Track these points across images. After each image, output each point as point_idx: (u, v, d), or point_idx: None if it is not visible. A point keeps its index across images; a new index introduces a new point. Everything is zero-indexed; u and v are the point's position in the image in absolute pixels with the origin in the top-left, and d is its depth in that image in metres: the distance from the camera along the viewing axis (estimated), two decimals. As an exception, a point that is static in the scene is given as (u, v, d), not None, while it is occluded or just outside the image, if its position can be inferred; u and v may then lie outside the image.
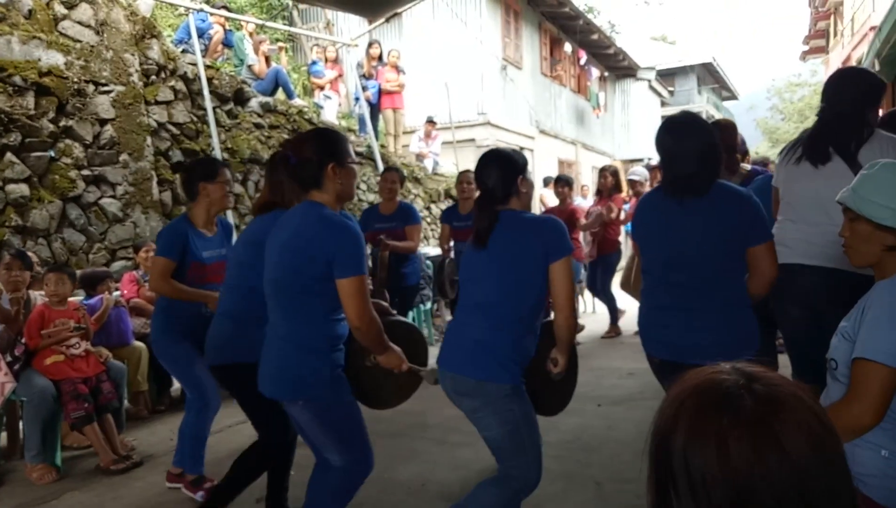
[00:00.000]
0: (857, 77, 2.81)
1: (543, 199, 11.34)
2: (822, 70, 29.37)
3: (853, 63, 19.75)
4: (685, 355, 2.25)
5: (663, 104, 24.33)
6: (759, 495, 0.68)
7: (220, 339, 2.74)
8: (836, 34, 22.76)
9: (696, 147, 2.30)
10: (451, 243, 5.98)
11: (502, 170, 2.35)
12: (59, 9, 5.84)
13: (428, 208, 10.18)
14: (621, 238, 7.43)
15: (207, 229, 3.26)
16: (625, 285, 6.95)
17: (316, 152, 2.27)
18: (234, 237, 3.37)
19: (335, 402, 2.27)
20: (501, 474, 2.32)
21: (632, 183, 7.21)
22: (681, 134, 2.36)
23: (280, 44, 10.67)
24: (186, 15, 7.88)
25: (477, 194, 2.42)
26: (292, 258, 2.20)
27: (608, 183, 6.90)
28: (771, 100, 44.14)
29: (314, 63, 10.31)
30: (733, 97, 37.47)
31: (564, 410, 2.68)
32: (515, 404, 2.24)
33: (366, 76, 10.21)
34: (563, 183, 6.81)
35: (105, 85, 6.06)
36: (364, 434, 2.37)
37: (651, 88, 21.88)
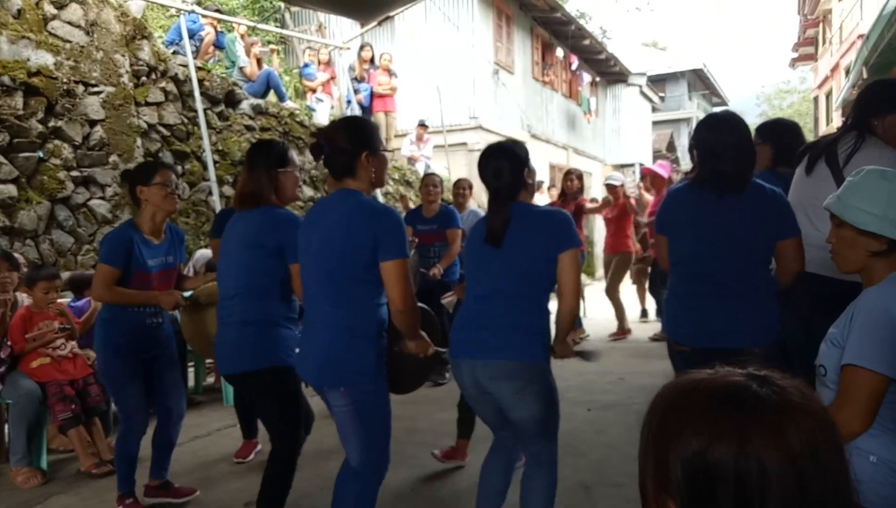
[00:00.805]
0: (876, 85, 2.84)
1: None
2: (810, 77, 29.61)
3: (841, 71, 19.93)
4: (717, 340, 2.42)
5: (654, 110, 24.46)
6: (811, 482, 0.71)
7: (242, 345, 2.60)
8: (824, 42, 22.96)
9: (737, 144, 2.46)
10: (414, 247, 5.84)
11: (510, 164, 2.42)
12: (49, 9, 5.81)
13: (419, 212, 10.18)
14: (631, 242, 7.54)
15: (154, 236, 3.11)
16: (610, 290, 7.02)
17: (349, 141, 2.29)
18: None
19: (375, 391, 2.28)
20: (534, 459, 2.44)
21: (610, 187, 7.27)
22: (722, 130, 2.51)
23: (272, 46, 10.64)
24: (177, 16, 7.85)
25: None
26: (338, 245, 2.23)
27: (573, 186, 6.92)
28: (760, 106, 44.51)
29: (306, 66, 10.29)
30: (723, 103, 37.73)
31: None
32: (551, 380, 2.41)
33: (358, 79, 10.20)
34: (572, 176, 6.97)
35: (95, 86, 6.03)
36: (388, 436, 2.37)
37: (642, 93, 21.98)
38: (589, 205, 7.16)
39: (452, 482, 3.45)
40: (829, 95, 22.20)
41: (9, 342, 3.73)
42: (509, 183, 2.40)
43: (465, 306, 2.52)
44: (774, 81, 45.31)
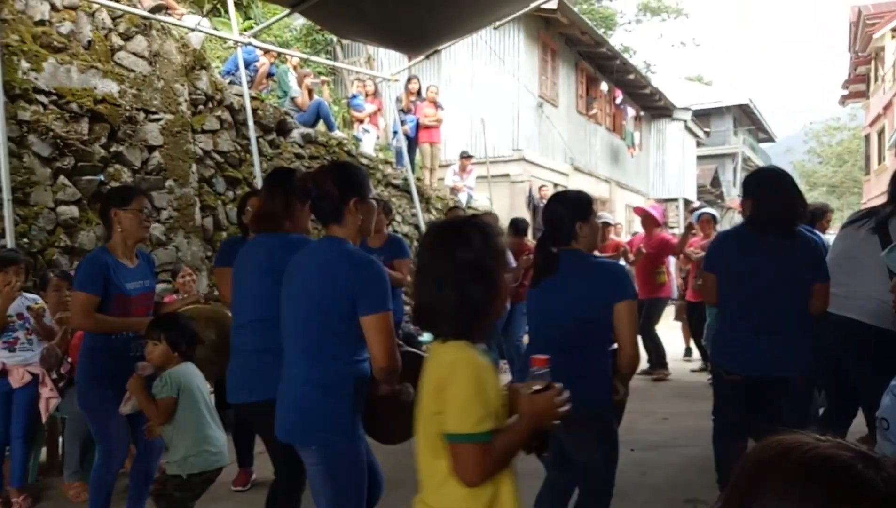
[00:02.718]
0: None
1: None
2: (861, 115, 29.03)
3: (894, 108, 19.50)
4: (768, 369, 2.75)
5: (699, 144, 24.23)
6: None
7: (254, 375, 2.52)
8: (876, 79, 22.53)
9: (787, 196, 2.81)
10: None
11: (563, 211, 2.53)
12: (117, 40, 6.09)
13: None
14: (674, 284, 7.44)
15: (128, 260, 3.03)
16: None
17: (338, 186, 2.18)
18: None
19: (348, 452, 2.17)
20: (590, 496, 2.56)
21: (606, 225, 7.22)
22: (770, 185, 2.87)
23: (322, 77, 10.93)
24: (235, 48, 8.14)
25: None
26: (316, 297, 2.13)
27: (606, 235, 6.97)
28: (808, 143, 43.73)
29: (355, 97, 10.53)
30: (770, 139, 37.17)
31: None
32: (614, 423, 2.54)
33: (404, 110, 10.38)
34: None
35: (155, 113, 6.27)
36: (362, 497, 2.23)
37: (687, 128, 21.84)
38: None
39: None
40: (881, 134, 21.71)
41: (69, 360, 3.86)
42: (558, 228, 2.53)
43: (532, 349, 2.52)
44: (823, 118, 44.40)
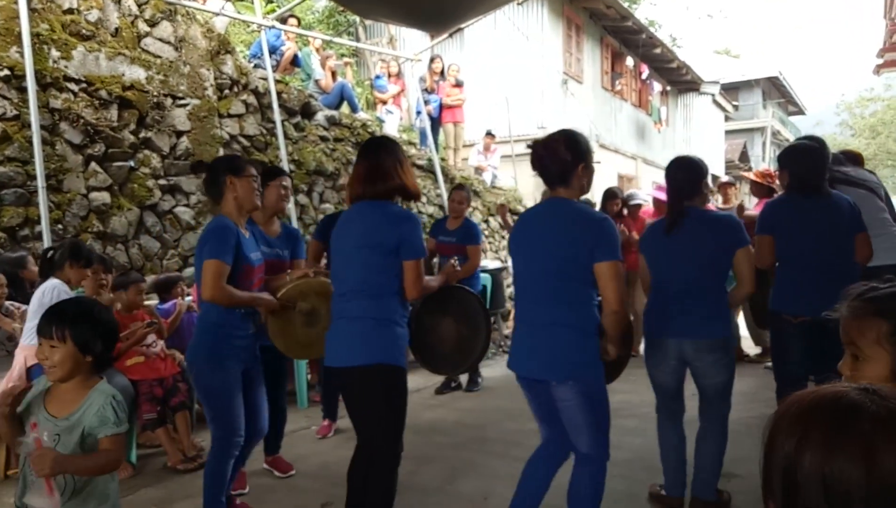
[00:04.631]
0: None
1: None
2: (896, 84, 28.20)
3: (932, 77, 18.87)
4: (832, 308, 2.99)
5: (727, 119, 23.80)
6: None
7: (355, 340, 2.55)
8: (913, 47, 21.81)
9: (815, 165, 3.29)
10: (436, 259, 5.70)
11: (687, 173, 3.02)
12: (143, 26, 6.15)
13: (486, 222, 10.22)
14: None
15: (243, 230, 2.92)
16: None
17: (570, 152, 2.50)
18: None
19: (598, 382, 2.47)
20: (710, 420, 3.06)
21: (637, 207, 7.10)
22: (800, 154, 3.38)
23: (346, 59, 10.92)
24: (258, 32, 8.17)
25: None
26: (561, 250, 2.43)
27: (614, 209, 6.90)
28: (840, 115, 42.62)
29: (378, 77, 10.52)
30: (800, 112, 36.39)
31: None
32: (733, 353, 3.13)
33: (428, 90, 10.35)
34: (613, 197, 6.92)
35: (182, 98, 6.33)
36: (610, 421, 2.55)
37: (715, 102, 21.45)
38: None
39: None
40: (917, 103, 21.06)
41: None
42: (685, 187, 3.00)
43: (658, 295, 3.08)
44: (856, 88, 43.26)
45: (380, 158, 2.65)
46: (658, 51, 16.28)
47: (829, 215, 3.20)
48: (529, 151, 2.60)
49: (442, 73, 10.54)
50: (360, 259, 2.58)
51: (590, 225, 2.43)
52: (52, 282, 3.54)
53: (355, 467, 2.64)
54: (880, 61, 26.82)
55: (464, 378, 5.97)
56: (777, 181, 4.82)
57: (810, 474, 0.70)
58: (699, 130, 20.53)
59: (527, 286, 2.56)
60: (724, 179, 7.54)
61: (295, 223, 6.88)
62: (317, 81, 9.05)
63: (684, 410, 3.16)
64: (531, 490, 2.71)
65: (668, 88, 18.64)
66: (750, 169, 26.32)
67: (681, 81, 18.95)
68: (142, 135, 5.95)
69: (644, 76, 16.18)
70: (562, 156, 2.49)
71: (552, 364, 2.44)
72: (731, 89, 25.96)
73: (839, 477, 0.69)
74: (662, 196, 6.95)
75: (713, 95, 20.98)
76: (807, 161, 3.30)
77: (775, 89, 31.53)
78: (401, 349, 2.59)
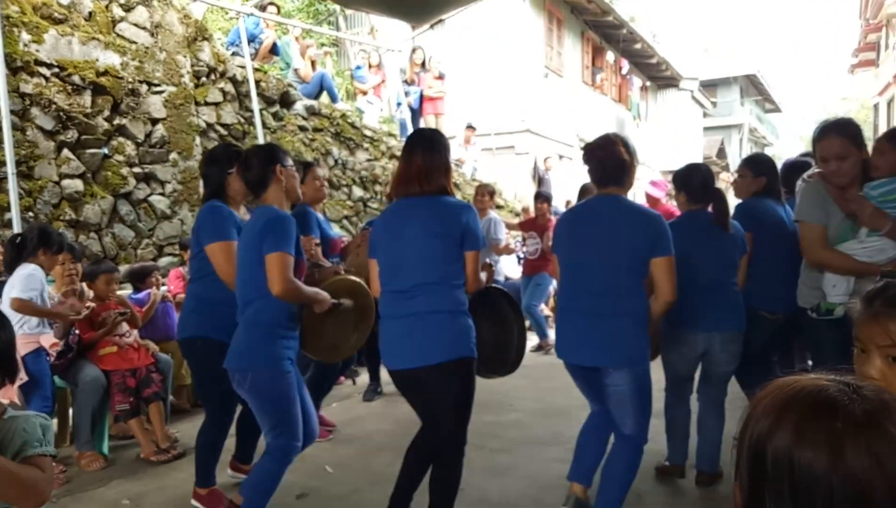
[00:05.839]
0: None
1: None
2: (871, 84, 28.65)
3: (905, 77, 19.23)
4: (791, 306, 3.15)
5: (705, 115, 24.02)
6: (877, 495, 0.67)
7: (429, 337, 2.46)
8: (887, 47, 22.19)
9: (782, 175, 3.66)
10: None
11: (705, 176, 3.26)
12: (118, 11, 6.03)
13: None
14: None
15: None
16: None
17: (628, 154, 2.68)
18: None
19: (648, 371, 2.64)
20: (711, 402, 3.26)
21: (656, 199, 7.10)
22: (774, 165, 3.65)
23: (325, 48, 10.82)
24: (237, 19, 8.05)
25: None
26: (623, 244, 2.57)
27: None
28: (816, 113, 43.26)
29: (358, 68, 10.44)
30: (777, 110, 36.81)
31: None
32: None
33: (408, 82, 10.29)
34: (542, 199, 6.82)
35: (157, 85, 6.23)
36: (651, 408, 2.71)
37: (693, 98, 21.62)
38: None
39: (500, 482, 3.45)
40: (890, 102, 21.45)
41: (76, 331, 3.89)
42: (699, 189, 3.20)
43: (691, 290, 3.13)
44: (831, 88, 43.87)
45: (441, 153, 2.63)
46: (638, 46, 16.39)
47: (787, 215, 3.40)
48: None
49: (423, 64, 10.49)
50: (427, 251, 2.48)
51: (651, 222, 2.58)
52: (31, 267, 3.52)
53: (417, 454, 2.68)
54: (855, 61, 27.26)
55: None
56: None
57: (777, 460, 0.71)
58: (678, 126, 20.68)
59: (581, 278, 2.66)
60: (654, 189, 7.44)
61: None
62: (296, 71, 8.95)
63: (692, 390, 3.33)
64: (588, 458, 2.90)
65: (648, 83, 18.77)
66: (727, 166, 26.61)
67: (660, 77, 19.09)
68: (116, 122, 5.84)
69: (624, 71, 16.26)
70: (621, 156, 2.65)
71: (611, 352, 2.57)
72: (709, 86, 26.18)
73: (805, 469, 0.69)
74: (655, 192, 6.96)
75: (692, 91, 21.15)
76: (775, 170, 3.59)
77: (753, 86, 31.87)
78: (474, 340, 2.52)
